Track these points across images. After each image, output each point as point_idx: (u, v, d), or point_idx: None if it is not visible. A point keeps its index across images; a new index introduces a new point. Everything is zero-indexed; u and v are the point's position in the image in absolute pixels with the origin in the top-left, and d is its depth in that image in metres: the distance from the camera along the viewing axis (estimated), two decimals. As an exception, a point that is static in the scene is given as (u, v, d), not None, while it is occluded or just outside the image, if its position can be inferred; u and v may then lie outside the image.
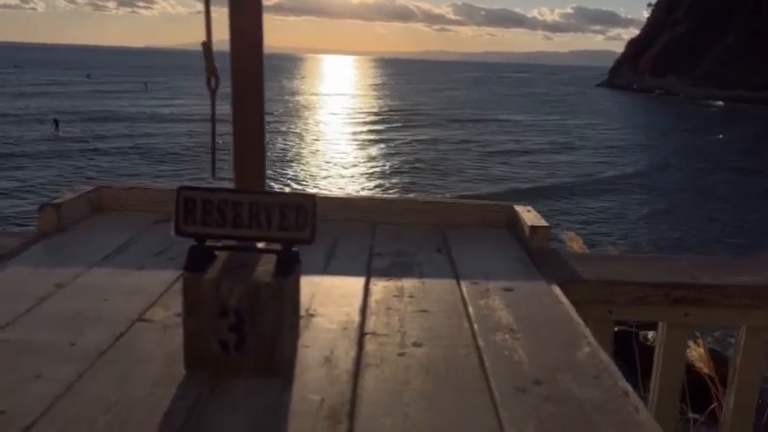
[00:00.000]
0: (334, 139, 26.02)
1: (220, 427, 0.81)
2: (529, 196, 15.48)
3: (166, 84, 55.98)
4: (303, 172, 18.51)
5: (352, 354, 1.00)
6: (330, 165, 20.09)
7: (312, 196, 0.94)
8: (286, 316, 0.93)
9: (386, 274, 1.41)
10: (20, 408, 0.82)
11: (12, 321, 1.08)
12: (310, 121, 32.75)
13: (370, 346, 1.04)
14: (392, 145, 24.67)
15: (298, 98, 47.48)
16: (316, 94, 53.58)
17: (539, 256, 1.53)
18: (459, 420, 0.84)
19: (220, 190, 0.96)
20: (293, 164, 19.70)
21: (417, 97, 52.33)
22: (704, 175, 21.02)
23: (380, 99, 49.65)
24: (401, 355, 1.01)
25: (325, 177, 18.16)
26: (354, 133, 28.10)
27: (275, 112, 33.03)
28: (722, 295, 1.37)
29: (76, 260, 1.42)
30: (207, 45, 0.97)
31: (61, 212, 1.63)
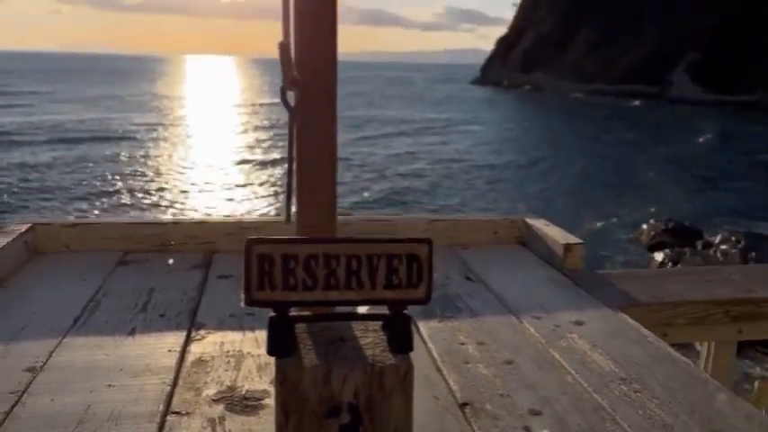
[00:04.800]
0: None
1: None
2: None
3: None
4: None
5: None
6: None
7: (427, 241, 0.72)
8: (412, 407, 0.70)
9: (431, 313, 1.21)
10: None
11: None
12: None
13: (480, 422, 0.83)
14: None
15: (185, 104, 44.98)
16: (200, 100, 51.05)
17: (581, 278, 1.41)
18: None
19: (305, 240, 0.71)
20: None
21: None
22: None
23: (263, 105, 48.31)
24: (527, 430, 0.82)
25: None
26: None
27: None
28: None
29: (40, 328, 1.08)
30: (285, 47, 0.70)
31: None
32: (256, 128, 29.99)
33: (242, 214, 12.22)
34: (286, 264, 0.68)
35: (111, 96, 45.65)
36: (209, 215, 12.14)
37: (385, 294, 0.70)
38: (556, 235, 1.51)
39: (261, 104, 43.39)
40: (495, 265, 1.51)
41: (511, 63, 76.57)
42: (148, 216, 11.02)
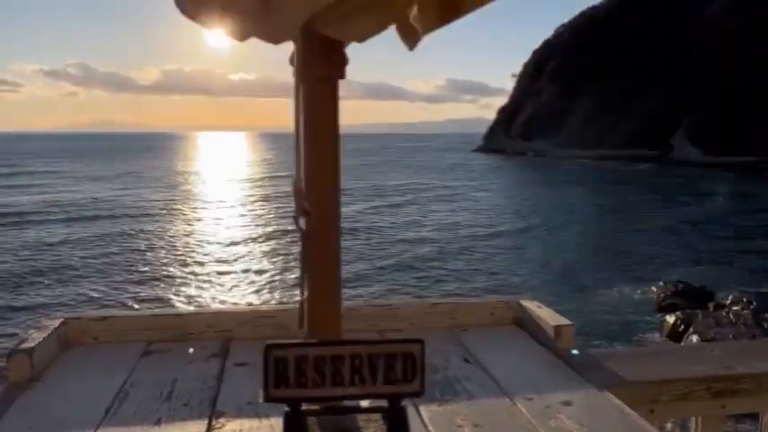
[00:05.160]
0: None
1: None
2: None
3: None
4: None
5: None
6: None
7: (420, 341, 0.85)
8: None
9: (432, 397, 1.31)
10: None
11: None
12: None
13: None
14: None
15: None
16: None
17: (570, 358, 1.50)
18: None
19: (316, 344, 0.85)
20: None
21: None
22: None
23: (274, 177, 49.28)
24: None
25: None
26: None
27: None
28: (759, 383, 1.41)
29: (76, 421, 1.19)
30: (297, 184, 0.87)
31: (34, 358, 1.39)
32: (265, 199, 30.58)
33: (257, 302, 12.43)
34: (298, 364, 0.81)
35: (127, 173, 46.89)
36: (225, 303, 12.39)
37: (384, 389, 0.83)
38: (547, 317, 1.62)
39: (269, 177, 44.41)
40: (491, 346, 1.61)
41: (513, 131, 78.35)
42: (170, 306, 11.33)
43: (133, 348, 1.58)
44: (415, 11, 0.89)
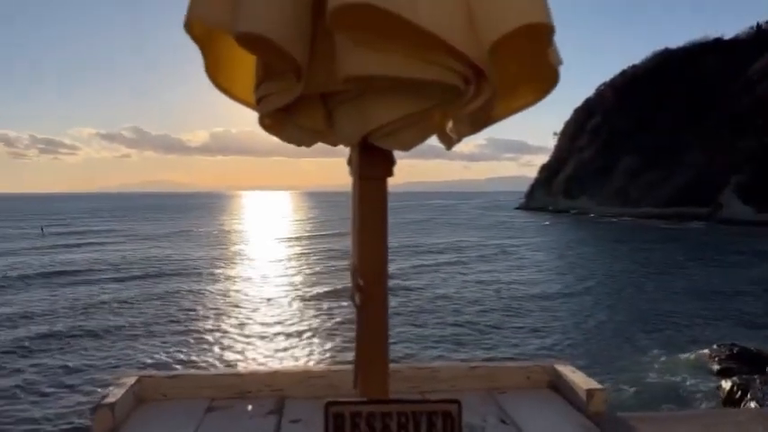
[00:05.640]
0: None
1: None
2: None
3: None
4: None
5: None
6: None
7: (457, 402, 0.99)
8: None
9: None
10: None
11: None
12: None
13: None
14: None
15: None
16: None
17: (602, 421, 1.59)
18: None
19: (368, 402, 1.00)
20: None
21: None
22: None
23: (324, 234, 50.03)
24: None
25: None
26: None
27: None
28: None
29: None
30: (353, 265, 1.05)
31: (116, 412, 1.57)
32: (308, 256, 31.03)
33: (306, 356, 12.69)
34: (354, 420, 0.96)
35: (176, 233, 48.51)
36: (274, 352, 12.72)
37: None
38: (580, 381, 1.71)
39: (313, 236, 45.14)
40: (527, 408, 1.71)
41: (555, 189, 77.84)
42: (228, 364, 11.98)
43: (198, 405, 1.73)
44: (450, 124, 1.09)
